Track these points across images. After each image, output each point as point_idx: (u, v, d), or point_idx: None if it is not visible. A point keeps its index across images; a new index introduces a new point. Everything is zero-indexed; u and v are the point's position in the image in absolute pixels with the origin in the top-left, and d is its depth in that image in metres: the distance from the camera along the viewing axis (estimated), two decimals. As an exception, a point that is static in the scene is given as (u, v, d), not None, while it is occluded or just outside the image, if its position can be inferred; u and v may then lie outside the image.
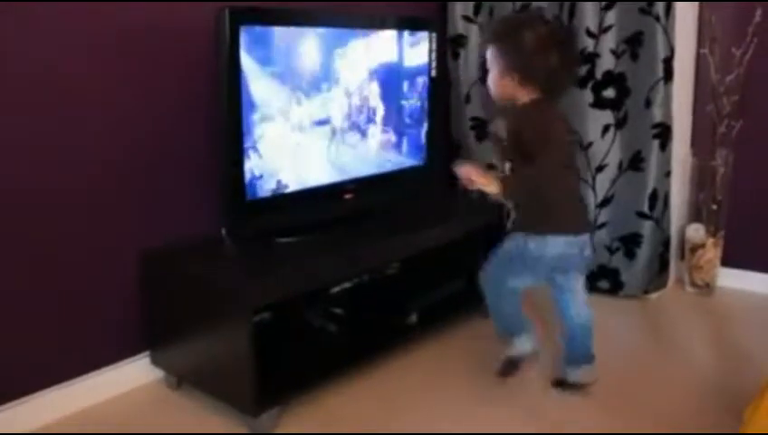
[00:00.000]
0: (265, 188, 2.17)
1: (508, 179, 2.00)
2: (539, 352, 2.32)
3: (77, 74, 2.03)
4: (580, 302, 2.19)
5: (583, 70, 2.85)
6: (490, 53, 2.08)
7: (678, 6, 2.71)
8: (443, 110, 3.15)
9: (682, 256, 3.11)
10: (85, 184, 2.08)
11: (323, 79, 2.28)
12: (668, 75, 2.73)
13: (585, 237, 2.09)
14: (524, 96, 2.03)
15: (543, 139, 1.94)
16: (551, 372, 2.31)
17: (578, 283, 2.17)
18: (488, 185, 1.97)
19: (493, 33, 2.13)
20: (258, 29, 2.06)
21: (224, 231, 2.29)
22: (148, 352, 2.29)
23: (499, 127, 2.09)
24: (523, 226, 2.09)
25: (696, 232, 3.03)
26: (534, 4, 2.93)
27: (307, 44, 2.21)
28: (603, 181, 2.91)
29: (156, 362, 2.27)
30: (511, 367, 2.27)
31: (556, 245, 2.03)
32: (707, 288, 3.02)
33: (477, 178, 1.98)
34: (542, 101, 2.03)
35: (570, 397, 2.19)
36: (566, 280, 2.15)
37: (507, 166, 2.08)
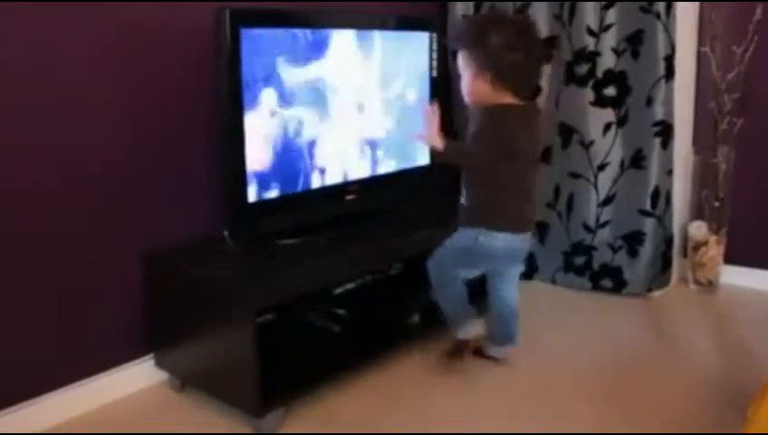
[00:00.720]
0: (267, 190, 2.17)
1: (452, 143, 2.15)
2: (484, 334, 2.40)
3: (77, 75, 2.03)
4: (514, 289, 2.34)
5: (584, 68, 2.86)
6: (460, 58, 2.13)
7: (679, 4, 2.71)
8: (444, 111, 3.14)
9: (685, 254, 3.11)
10: (87, 186, 2.09)
11: (324, 79, 2.28)
12: (669, 73, 2.73)
13: (528, 235, 2.22)
14: (497, 99, 2.07)
15: (487, 138, 2.05)
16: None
17: (516, 271, 2.34)
18: (434, 139, 2.11)
19: (460, 36, 2.16)
20: (258, 30, 2.06)
21: (226, 232, 2.29)
22: (151, 355, 2.29)
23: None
24: (473, 221, 2.17)
25: (699, 229, 3.03)
26: (533, 3, 2.93)
27: (307, 45, 2.21)
28: (605, 180, 2.91)
29: (160, 364, 2.28)
30: (458, 350, 2.37)
31: (503, 240, 2.14)
32: (710, 286, 3.02)
33: (430, 129, 2.11)
34: (512, 106, 2.09)
35: (574, 394, 2.20)
36: (507, 268, 2.29)
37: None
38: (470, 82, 2.10)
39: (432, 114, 2.13)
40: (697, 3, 2.96)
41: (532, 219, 2.25)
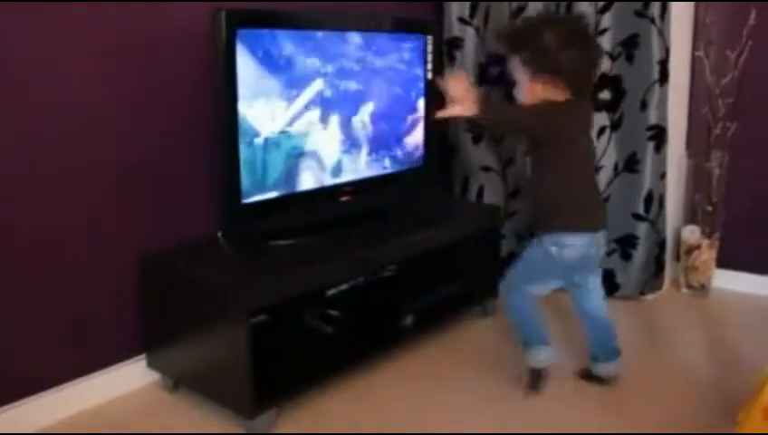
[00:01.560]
0: (262, 191, 2.17)
1: (486, 101, 2.01)
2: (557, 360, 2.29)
3: (75, 76, 2.03)
4: (598, 299, 2.22)
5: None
6: (514, 64, 2.07)
7: (674, 9, 2.72)
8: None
9: (677, 258, 3.12)
10: (83, 187, 2.08)
11: (320, 80, 2.28)
12: (664, 77, 2.74)
13: (601, 235, 2.12)
14: (554, 96, 2.03)
15: (541, 109, 1.99)
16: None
17: (596, 281, 2.21)
18: (467, 108, 1.97)
19: (512, 41, 2.10)
20: (254, 31, 2.06)
21: (220, 234, 2.29)
22: (144, 355, 2.28)
23: None
24: (541, 226, 2.11)
25: (692, 233, 3.04)
26: (530, 5, 2.94)
27: (303, 46, 2.21)
28: (599, 183, 2.91)
29: (152, 364, 2.27)
30: (538, 379, 2.23)
31: (575, 246, 2.05)
32: (703, 289, 3.03)
33: (461, 92, 1.98)
34: (572, 101, 2.04)
35: (567, 397, 2.20)
36: (583, 279, 2.18)
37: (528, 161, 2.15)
38: (527, 88, 2.05)
39: (455, 80, 2.01)
40: (692, 7, 2.96)
41: (603, 215, 2.18)
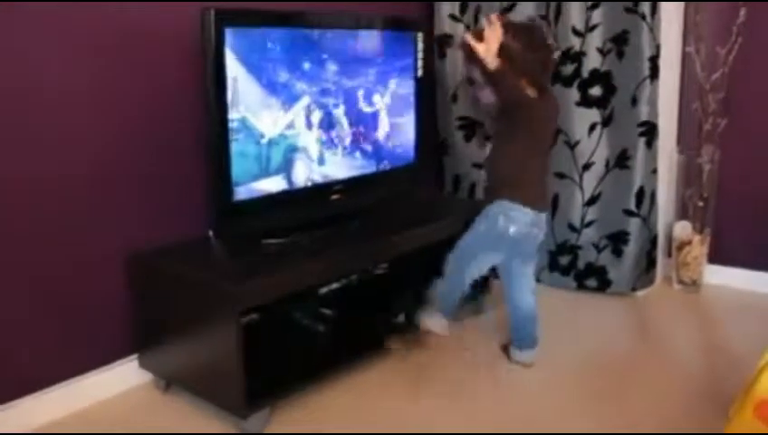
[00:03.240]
0: (252, 190, 2.16)
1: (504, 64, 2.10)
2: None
3: (64, 75, 2.02)
4: (528, 289, 2.38)
5: (570, 68, 2.86)
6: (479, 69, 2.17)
7: (664, 5, 2.72)
8: (430, 109, 3.15)
9: (669, 254, 3.12)
10: (72, 186, 2.08)
11: (310, 79, 2.28)
12: (654, 73, 2.75)
13: (544, 217, 2.28)
14: None
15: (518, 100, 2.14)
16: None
17: (530, 270, 2.37)
18: (491, 53, 2.07)
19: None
20: (243, 30, 2.05)
21: (211, 233, 2.29)
22: (136, 356, 2.28)
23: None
24: (495, 195, 2.24)
25: (683, 229, 3.05)
26: (519, 3, 2.94)
27: (293, 45, 2.21)
28: (590, 179, 2.93)
29: (144, 365, 2.27)
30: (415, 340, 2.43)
31: (524, 217, 2.20)
32: (694, 285, 3.04)
33: (492, 36, 2.07)
34: (541, 98, 2.22)
35: (550, 388, 2.21)
36: (519, 265, 2.34)
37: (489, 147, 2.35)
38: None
39: (495, 30, 2.10)
40: (682, 4, 2.97)
41: (548, 198, 2.36)
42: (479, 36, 2.10)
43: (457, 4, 3.08)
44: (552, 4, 2.88)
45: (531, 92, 2.19)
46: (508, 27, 2.17)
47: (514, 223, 2.20)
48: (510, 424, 2.05)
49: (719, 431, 1.88)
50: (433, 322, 2.35)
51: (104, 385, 2.21)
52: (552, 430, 2.02)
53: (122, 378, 2.26)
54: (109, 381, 2.23)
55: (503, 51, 2.10)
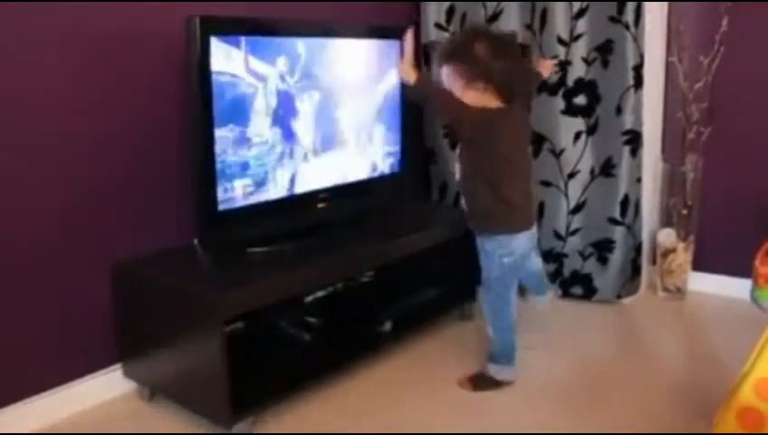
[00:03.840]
0: (237, 198, 2.16)
1: (424, 75, 2.23)
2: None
3: (48, 85, 2.01)
4: (537, 263, 2.50)
5: (555, 77, 2.88)
6: (447, 73, 2.18)
7: (647, 15, 2.74)
8: (416, 117, 3.16)
9: (654, 261, 3.14)
10: (57, 196, 2.07)
11: (295, 88, 2.28)
12: (638, 82, 2.77)
13: (534, 229, 2.30)
14: (487, 104, 2.15)
15: (460, 118, 2.14)
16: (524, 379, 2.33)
17: (514, 290, 2.33)
18: (407, 73, 2.17)
19: (445, 52, 2.23)
20: (228, 38, 2.05)
21: (196, 241, 2.28)
22: (120, 365, 2.26)
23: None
24: (489, 227, 2.23)
25: (668, 237, 3.07)
26: (506, 10, 2.95)
27: (279, 53, 2.21)
28: (575, 188, 2.94)
29: (128, 373, 2.25)
30: (490, 385, 2.32)
31: (521, 246, 2.23)
32: (679, 292, 3.06)
33: (405, 63, 2.19)
34: (504, 109, 2.16)
35: (536, 394, 2.21)
36: (525, 267, 2.36)
37: (458, 168, 2.28)
38: (462, 94, 2.14)
39: (407, 43, 2.21)
40: (666, 13, 2.99)
41: (535, 209, 2.38)
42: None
43: (444, 11, 3.09)
44: (538, 13, 2.90)
45: (494, 103, 2.14)
46: (477, 33, 2.20)
47: (516, 250, 2.22)
48: (493, 429, 2.05)
49: (706, 433, 1.89)
50: (505, 374, 2.31)
51: (88, 394, 2.20)
52: (541, 431, 2.03)
53: (106, 387, 2.25)
54: (93, 390, 2.21)
55: (467, 54, 2.11)
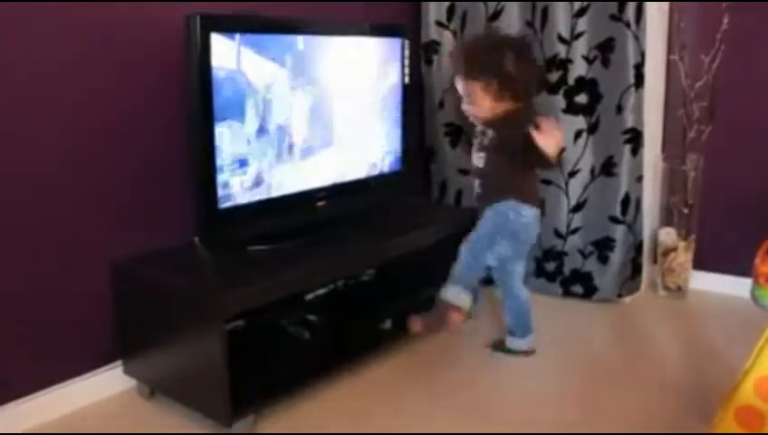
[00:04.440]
0: (238, 196, 2.16)
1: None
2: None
3: (46, 78, 2.01)
4: (521, 283, 2.51)
5: (556, 76, 2.88)
6: (474, 88, 2.29)
7: (648, 13, 2.74)
8: (417, 116, 3.16)
9: (654, 260, 3.14)
10: (56, 192, 2.07)
11: (296, 86, 2.28)
12: (639, 81, 2.76)
13: (538, 212, 2.41)
14: (508, 107, 2.30)
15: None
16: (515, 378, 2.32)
17: (522, 266, 2.49)
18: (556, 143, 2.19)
19: (473, 69, 2.29)
20: (228, 36, 2.05)
21: (196, 239, 2.28)
22: (120, 362, 2.26)
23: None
24: (503, 196, 2.34)
25: (668, 236, 3.07)
26: (507, 8, 2.95)
27: (279, 51, 2.21)
28: (576, 186, 2.94)
29: (129, 371, 2.25)
30: (441, 316, 2.43)
31: (528, 214, 2.35)
32: (679, 291, 3.06)
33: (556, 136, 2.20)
34: (525, 108, 2.31)
35: (537, 393, 2.21)
36: (513, 265, 2.45)
37: (481, 155, 2.39)
38: (488, 108, 2.30)
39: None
40: (667, 11, 2.99)
41: (540, 197, 2.52)
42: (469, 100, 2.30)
43: (444, 9, 3.09)
44: (538, 11, 2.89)
45: (512, 105, 2.28)
46: (502, 47, 2.27)
47: (523, 216, 2.34)
48: (495, 427, 2.05)
49: (706, 433, 1.89)
50: (454, 292, 2.39)
51: (88, 391, 2.20)
52: (542, 431, 2.03)
53: (107, 384, 2.25)
54: (93, 387, 2.21)
55: (498, 70, 2.22)
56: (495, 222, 2.36)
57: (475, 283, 2.43)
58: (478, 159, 2.40)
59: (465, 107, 2.37)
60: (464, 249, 2.41)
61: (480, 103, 2.31)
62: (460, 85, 2.35)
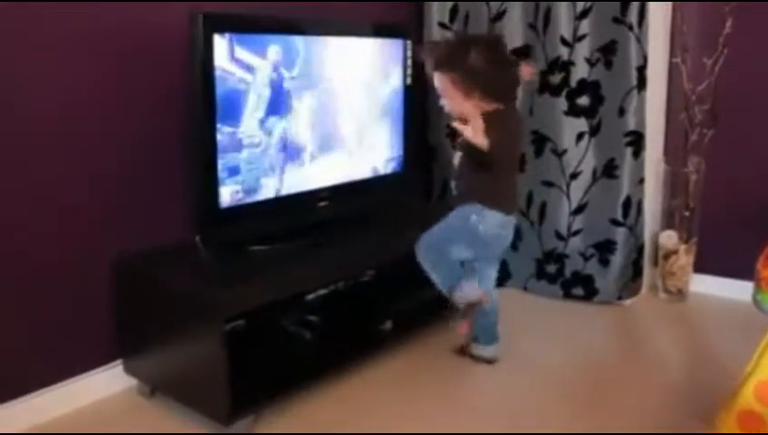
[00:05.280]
0: (239, 196, 2.16)
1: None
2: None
3: (48, 78, 2.01)
4: (492, 287, 2.46)
5: (558, 78, 2.88)
6: (444, 81, 2.22)
7: (651, 16, 2.74)
8: (419, 116, 3.15)
9: (655, 263, 3.14)
10: (57, 191, 2.06)
11: (298, 86, 2.28)
12: (642, 84, 2.76)
13: (513, 219, 2.34)
14: (484, 108, 2.19)
15: (499, 148, 2.13)
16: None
17: (494, 271, 2.46)
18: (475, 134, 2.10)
19: (441, 63, 2.23)
20: (232, 36, 2.05)
21: (198, 239, 2.27)
22: (121, 361, 2.26)
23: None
24: (468, 199, 2.28)
25: (669, 239, 3.07)
26: (509, 10, 2.95)
27: (281, 51, 2.20)
28: (577, 188, 2.94)
29: (129, 370, 2.25)
30: (463, 313, 2.42)
31: (494, 220, 2.27)
32: (680, 294, 3.06)
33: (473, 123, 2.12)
34: (504, 112, 2.23)
35: (537, 394, 2.21)
36: (484, 267, 2.41)
37: (458, 154, 2.34)
38: (458, 103, 2.21)
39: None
40: (669, 14, 2.99)
41: (517, 200, 2.44)
42: (463, 121, 2.16)
43: (447, 11, 3.08)
44: (541, 14, 2.89)
45: (491, 106, 2.20)
46: (471, 43, 2.22)
47: (485, 222, 2.26)
48: (495, 428, 2.05)
49: (707, 433, 1.89)
50: (463, 296, 2.35)
51: (88, 390, 2.20)
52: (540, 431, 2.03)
53: (107, 383, 2.25)
54: (93, 385, 2.21)
55: (468, 70, 2.15)
56: (456, 224, 2.31)
57: (458, 273, 2.38)
58: (456, 159, 2.36)
59: (441, 102, 2.31)
60: (423, 255, 2.36)
61: (451, 97, 2.23)
62: (435, 79, 2.26)
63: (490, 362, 2.45)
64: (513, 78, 2.27)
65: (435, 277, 2.38)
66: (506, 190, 2.34)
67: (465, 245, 2.32)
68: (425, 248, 2.36)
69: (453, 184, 2.39)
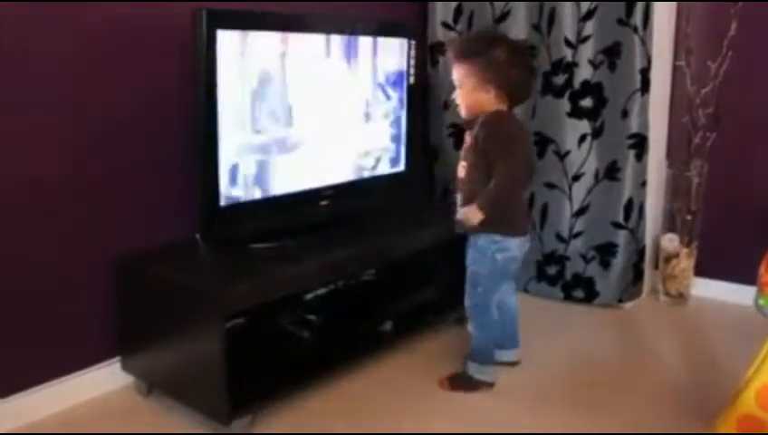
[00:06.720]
0: (240, 194, 2.15)
1: (482, 197, 2.12)
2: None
3: (49, 76, 2.00)
4: (513, 292, 2.45)
5: (561, 79, 2.87)
6: (461, 71, 2.18)
7: (655, 18, 2.73)
8: (421, 116, 3.15)
9: (656, 266, 3.13)
10: (58, 187, 2.06)
11: (301, 84, 2.27)
12: (645, 86, 2.75)
13: (528, 237, 2.30)
14: (493, 107, 2.16)
15: (510, 148, 2.12)
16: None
17: (512, 285, 2.43)
18: (472, 216, 2.13)
19: (463, 51, 2.20)
20: (235, 33, 2.04)
21: (198, 236, 2.27)
22: (118, 358, 2.26)
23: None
24: (485, 228, 2.17)
25: (671, 242, 3.06)
26: (513, 10, 2.94)
27: (285, 49, 2.20)
28: (579, 190, 2.93)
29: (127, 367, 2.24)
30: (473, 386, 2.32)
31: (516, 247, 2.22)
32: (681, 297, 3.05)
33: (470, 215, 2.14)
34: (508, 112, 2.21)
35: (537, 395, 2.20)
36: (505, 289, 2.38)
37: (462, 164, 2.24)
38: (470, 93, 2.17)
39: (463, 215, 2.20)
40: (674, 17, 2.98)
41: (530, 217, 2.39)
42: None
43: (451, 12, 3.08)
44: (545, 15, 2.88)
45: (498, 106, 2.16)
46: (501, 40, 2.21)
47: (503, 251, 2.20)
48: (491, 430, 2.05)
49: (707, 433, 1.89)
50: (484, 374, 2.31)
51: (86, 387, 2.19)
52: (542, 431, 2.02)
53: (104, 380, 2.24)
54: (90, 383, 2.20)
55: (486, 56, 2.12)
56: (489, 271, 2.23)
57: (495, 346, 2.35)
58: (461, 169, 2.25)
59: (453, 95, 2.26)
60: (471, 308, 2.30)
61: (464, 86, 2.17)
62: (453, 71, 2.22)
63: (513, 364, 2.43)
64: (530, 86, 2.28)
65: (478, 335, 2.31)
66: (521, 210, 2.32)
67: (502, 278, 2.30)
68: (473, 304, 2.30)
69: (458, 198, 2.27)
